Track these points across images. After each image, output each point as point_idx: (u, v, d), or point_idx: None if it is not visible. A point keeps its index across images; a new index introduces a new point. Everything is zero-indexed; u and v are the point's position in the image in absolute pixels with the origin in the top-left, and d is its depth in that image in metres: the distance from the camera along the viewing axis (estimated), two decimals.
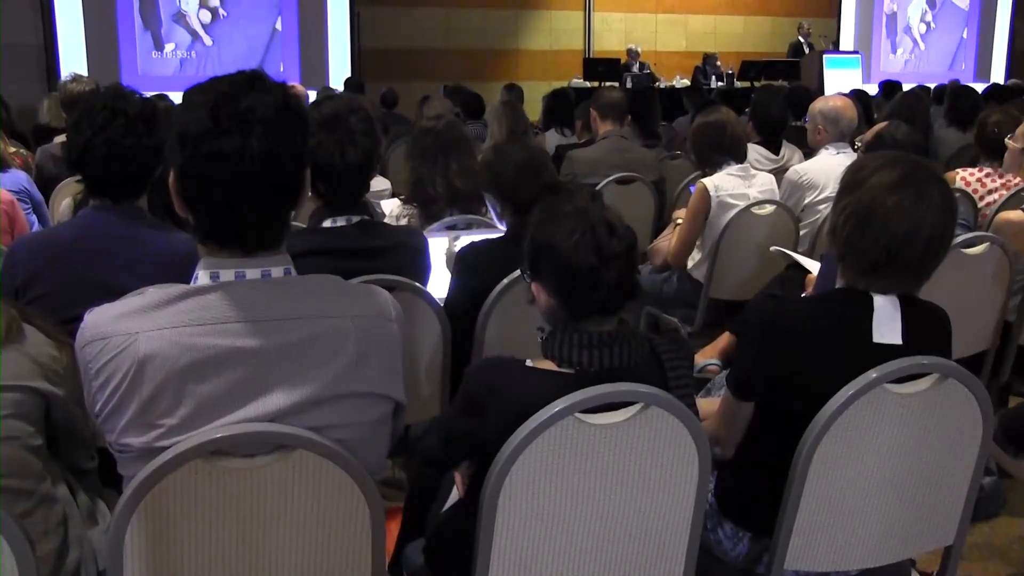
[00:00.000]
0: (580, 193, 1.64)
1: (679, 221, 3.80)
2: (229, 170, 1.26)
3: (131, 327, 1.27)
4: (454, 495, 1.83)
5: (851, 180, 1.75)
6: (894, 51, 14.62)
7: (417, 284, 2.28)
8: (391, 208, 3.29)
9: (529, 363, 1.59)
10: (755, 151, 4.68)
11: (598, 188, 4.18)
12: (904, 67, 14.40)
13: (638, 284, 1.60)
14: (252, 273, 1.34)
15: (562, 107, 6.27)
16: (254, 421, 1.29)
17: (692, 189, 3.77)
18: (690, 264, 3.80)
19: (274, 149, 1.28)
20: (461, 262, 2.45)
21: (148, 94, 2.46)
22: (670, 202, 4.59)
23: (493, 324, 2.37)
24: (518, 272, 2.26)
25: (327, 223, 2.28)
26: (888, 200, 1.67)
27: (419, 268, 2.38)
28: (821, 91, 9.85)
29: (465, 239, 2.67)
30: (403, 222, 3.17)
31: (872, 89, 9.02)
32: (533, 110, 7.56)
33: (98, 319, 1.31)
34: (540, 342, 1.62)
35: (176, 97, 1.55)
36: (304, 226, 2.35)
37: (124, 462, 1.32)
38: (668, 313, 3.87)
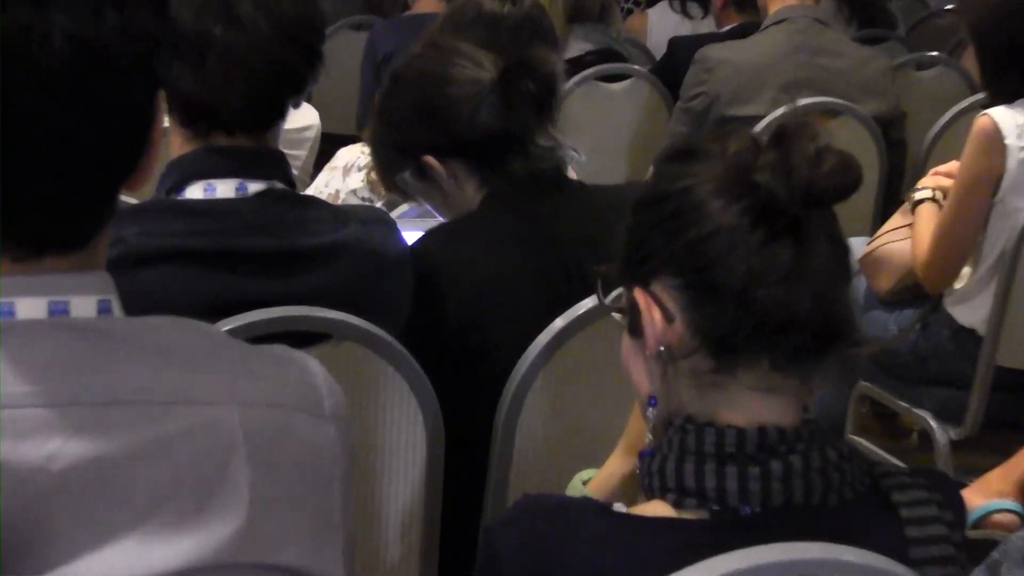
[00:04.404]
0: (733, 134, 1.66)
1: (922, 191, 3.80)
2: (4, 72, 1.28)
3: None
4: None
5: None
6: None
7: (384, 335, 2.28)
8: (342, 154, 3.36)
9: (620, 508, 1.60)
10: None
11: (761, 127, 4.18)
12: None
13: (854, 322, 1.63)
14: (30, 306, 1.36)
15: None
16: None
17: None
18: (955, 286, 3.79)
19: (96, 34, 1.30)
20: (436, 278, 2.50)
21: None
22: (916, 161, 4.59)
23: (533, 412, 2.41)
24: (584, 306, 2.28)
25: (195, 189, 2.31)
26: None
27: (387, 295, 2.41)
28: None
29: None
30: (357, 177, 3.25)
31: None
32: None
33: None
34: (638, 468, 1.64)
35: None
36: (149, 200, 2.38)
37: None
38: (914, 394, 3.86)
